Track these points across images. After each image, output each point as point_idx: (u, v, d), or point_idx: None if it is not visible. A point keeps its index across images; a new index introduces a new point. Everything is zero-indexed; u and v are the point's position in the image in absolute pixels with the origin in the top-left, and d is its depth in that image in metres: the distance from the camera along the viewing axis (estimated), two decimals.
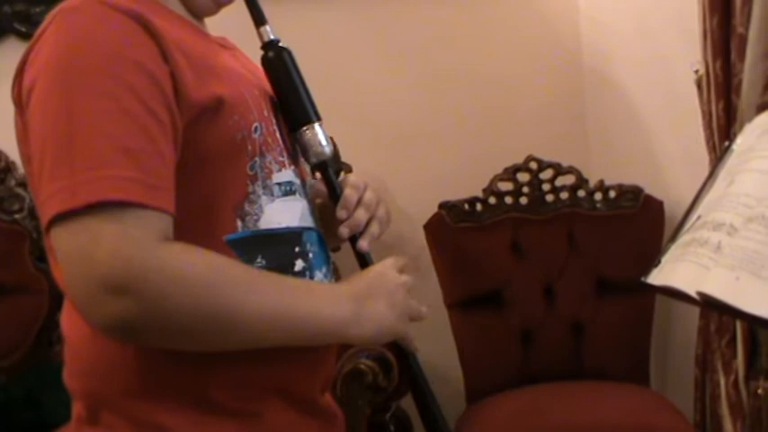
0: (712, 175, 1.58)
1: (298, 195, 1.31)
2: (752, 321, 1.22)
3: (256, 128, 1.26)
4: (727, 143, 1.64)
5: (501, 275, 2.84)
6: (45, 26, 1.20)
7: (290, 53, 1.39)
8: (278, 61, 1.37)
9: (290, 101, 1.36)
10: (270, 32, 1.38)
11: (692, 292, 1.31)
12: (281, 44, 1.38)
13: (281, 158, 1.30)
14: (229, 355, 1.18)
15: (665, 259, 1.49)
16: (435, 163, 3.09)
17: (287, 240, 1.28)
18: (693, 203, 1.57)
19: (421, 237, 2.86)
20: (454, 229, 2.84)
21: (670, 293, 1.42)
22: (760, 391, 2.20)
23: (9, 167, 2.92)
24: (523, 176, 2.94)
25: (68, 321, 1.27)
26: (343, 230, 1.36)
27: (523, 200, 2.93)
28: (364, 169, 2.90)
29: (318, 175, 1.42)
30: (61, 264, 1.11)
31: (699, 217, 1.48)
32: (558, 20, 3.22)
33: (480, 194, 2.91)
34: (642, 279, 1.51)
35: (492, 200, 2.91)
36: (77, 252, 1.08)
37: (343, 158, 2.86)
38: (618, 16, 3.05)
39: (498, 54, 3.18)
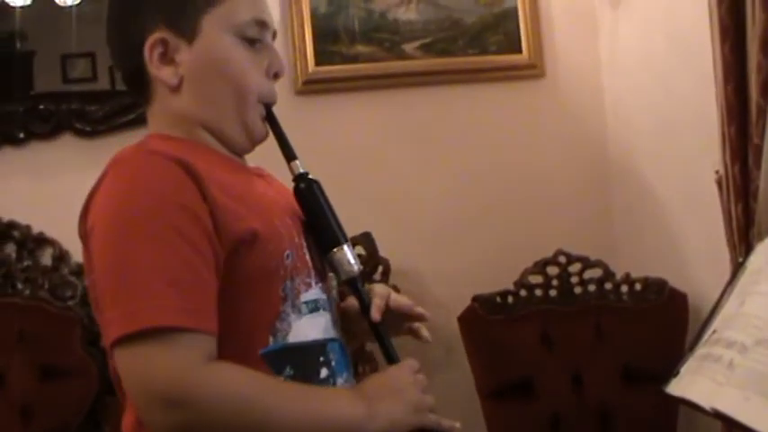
0: (727, 289, 1.69)
1: (322, 311, 1.48)
2: None
3: (288, 255, 1.42)
4: (741, 259, 1.75)
5: (531, 365, 2.92)
6: (104, 174, 1.41)
7: (318, 184, 1.55)
8: (309, 192, 1.53)
9: (321, 227, 1.52)
10: (300, 167, 1.53)
11: (706, 406, 1.42)
12: (310, 176, 1.54)
13: (308, 279, 1.46)
14: None
15: (683, 370, 1.59)
16: (468, 255, 3.18)
17: (312, 352, 1.45)
18: (710, 316, 1.68)
19: (455, 327, 2.95)
20: (487, 320, 2.94)
21: (687, 404, 1.53)
22: None
23: (62, 256, 3.03)
24: (552, 270, 3.03)
25: (131, 424, 1.42)
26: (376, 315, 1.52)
27: (553, 292, 3.02)
28: (399, 262, 3.02)
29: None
30: (123, 381, 1.32)
31: (714, 331, 1.59)
32: (585, 116, 3.34)
33: (511, 287, 3.01)
34: (663, 389, 1.62)
35: (523, 292, 3.00)
36: (136, 372, 1.28)
37: (381, 253, 2.97)
38: (642, 115, 3.16)
39: (528, 151, 3.30)
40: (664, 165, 3.07)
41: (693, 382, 1.55)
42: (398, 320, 1.63)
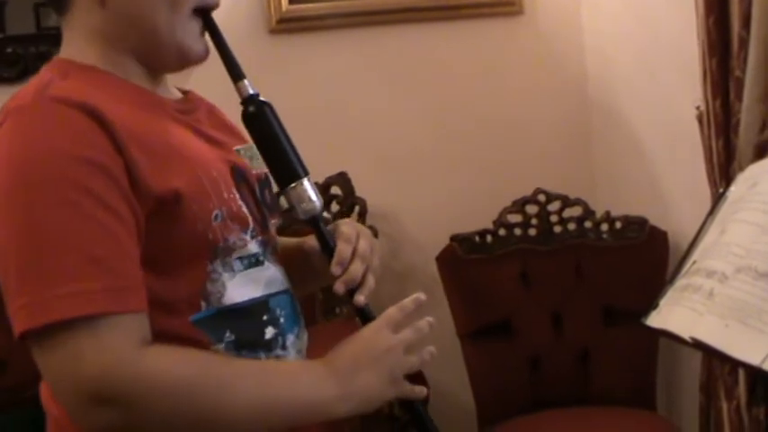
0: (708, 220, 1.67)
1: (265, 263, 1.33)
2: (739, 366, 1.31)
3: (216, 215, 1.25)
4: (721, 190, 1.73)
5: (510, 305, 2.91)
6: None
7: (271, 107, 1.36)
8: (259, 117, 1.34)
9: (275, 158, 1.35)
10: (249, 87, 1.34)
11: (686, 336, 1.41)
12: (261, 98, 1.35)
13: (243, 236, 1.29)
14: None
15: (662, 302, 1.58)
16: (446, 195, 3.16)
17: (253, 311, 1.30)
18: (690, 247, 1.66)
19: (433, 267, 2.94)
20: (465, 260, 2.92)
21: (666, 335, 1.51)
22: (761, 417, 2.28)
23: None
24: (532, 209, 3.01)
25: (49, 399, 1.28)
26: (339, 287, 1.33)
27: (532, 231, 3.00)
28: (377, 202, 2.99)
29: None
30: (45, 378, 1.16)
31: (694, 262, 1.57)
32: (564, 53, 3.30)
33: (490, 226, 2.99)
34: (642, 321, 1.60)
35: (502, 231, 2.99)
36: (60, 368, 1.11)
37: (357, 193, 2.94)
38: (622, 51, 3.13)
39: (506, 89, 3.25)
40: (644, 101, 3.05)
41: (673, 313, 1.53)
42: None
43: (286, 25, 3.07)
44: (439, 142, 3.19)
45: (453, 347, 2.89)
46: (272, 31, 3.06)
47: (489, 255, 2.96)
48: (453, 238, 2.94)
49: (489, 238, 2.98)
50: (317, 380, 1.24)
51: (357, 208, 2.91)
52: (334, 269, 1.33)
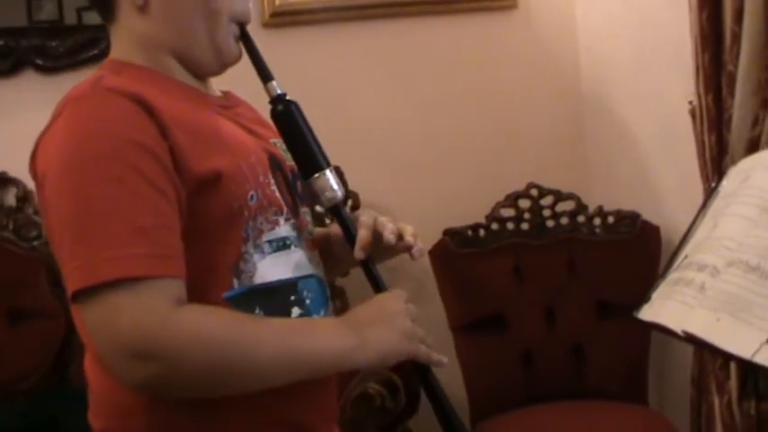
0: (700, 215, 1.67)
1: (293, 248, 1.43)
2: (730, 358, 1.32)
3: (252, 195, 1.37)
4: (713, 185, 1.73)
5: (503, 299, 2.92)
6: (59, 112, 1.33)
7: (297, 106, 1.48)
8: (286, 115, 1.47)
9: (300, 151, 1.47)
10: (277, 88, 1.47)
11: (677, 329, 1.41)
12: (288, 98, 1.47)
13: (274, 218, 1.41)
14: (234, 396, 1.31)
15: (654, 295, 1.58)
16: (439, 189, 3.16)
17: (282, 291, 1.40)
18: (682, 242, 1.66)
19: (426, 261, 2.92)
20: (458, 254, 2.93)
21: (658, 329, 1.52)
22: (752, 412, 2.28)
23: (26, 196, 2.97)
24: (524, 203, 3.02)
25: (91, 369, 1.40)
26: (359, 254, 1.45)
27: (525, 225, 3.01)
28: (369, 196, 2.99)
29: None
30: (89, 334, 1.26)
31: (686, 256, 1.58)
32: (558, 48, 3.30)
33: (483, 220, 3.00)
34: (633, 314, 1.61)
35: (494, 226, 2.99)
36: (102, 324, 1.22)
37: (350, 187, 2.93)
38: (616, 46, 3.13)
39: (499, 83, 3.25)
40: (637, 97, 3.05)
41: (664, 307, 1.54)
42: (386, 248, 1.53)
43: (279, 19, 3.07)
44: (432, 136, 3.19)
45: (446, 341, 2.88)
46: (266, 25, 3.06)
47: (482, 249, 2.96)
48: (446, 233, 2.94)
49: (482, 232, 2.99)
50: (335, 331, 1.35)
51: (350, 202, 2.91)
52: (358, 254, 1.45)
